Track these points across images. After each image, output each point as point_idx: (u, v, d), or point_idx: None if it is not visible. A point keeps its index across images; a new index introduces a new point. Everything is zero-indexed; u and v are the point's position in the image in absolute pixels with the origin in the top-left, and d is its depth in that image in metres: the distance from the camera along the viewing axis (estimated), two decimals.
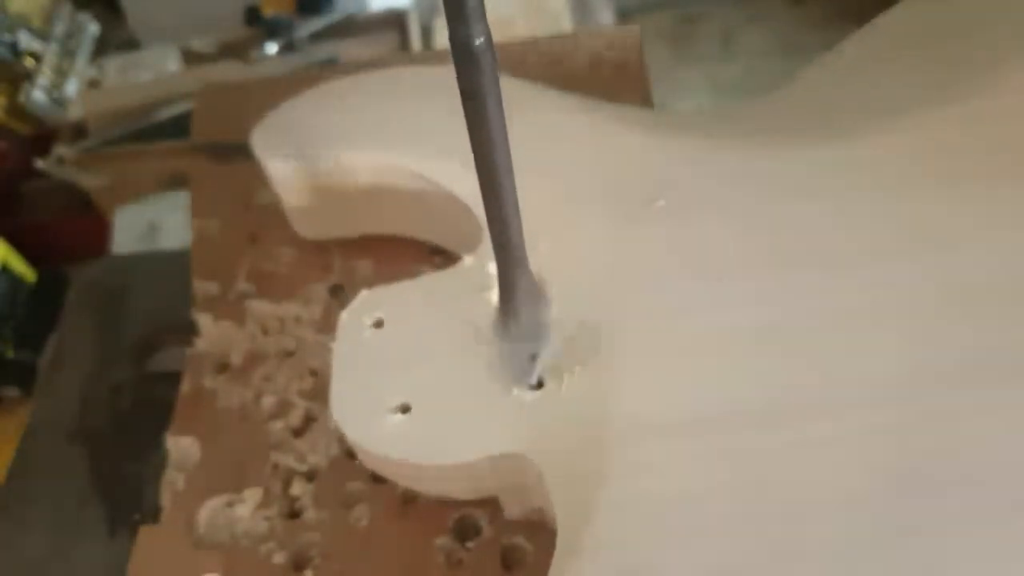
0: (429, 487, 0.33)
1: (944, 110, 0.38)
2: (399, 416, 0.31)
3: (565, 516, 0.27)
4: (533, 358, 0.30)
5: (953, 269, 0.32)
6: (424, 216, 0.40)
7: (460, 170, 0.37)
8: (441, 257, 0.42)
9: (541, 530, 0.33)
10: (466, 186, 0.37)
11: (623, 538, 0.26)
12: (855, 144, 0.37)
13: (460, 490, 0.32)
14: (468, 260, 0.35)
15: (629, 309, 0.32)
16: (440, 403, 0.31)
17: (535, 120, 0.40)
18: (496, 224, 0.27)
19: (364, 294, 0.35)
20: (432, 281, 0.35)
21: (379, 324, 0.34)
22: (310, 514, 0.35)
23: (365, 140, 0.39)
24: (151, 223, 0.78)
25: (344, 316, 0.34)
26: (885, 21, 0.43)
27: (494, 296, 0.33)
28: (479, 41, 0.21)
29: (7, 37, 1.00)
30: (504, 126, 0.24)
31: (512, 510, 0.33)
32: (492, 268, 0.34)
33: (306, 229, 0.43)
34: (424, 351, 0.32)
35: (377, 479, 0.35)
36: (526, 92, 0.42)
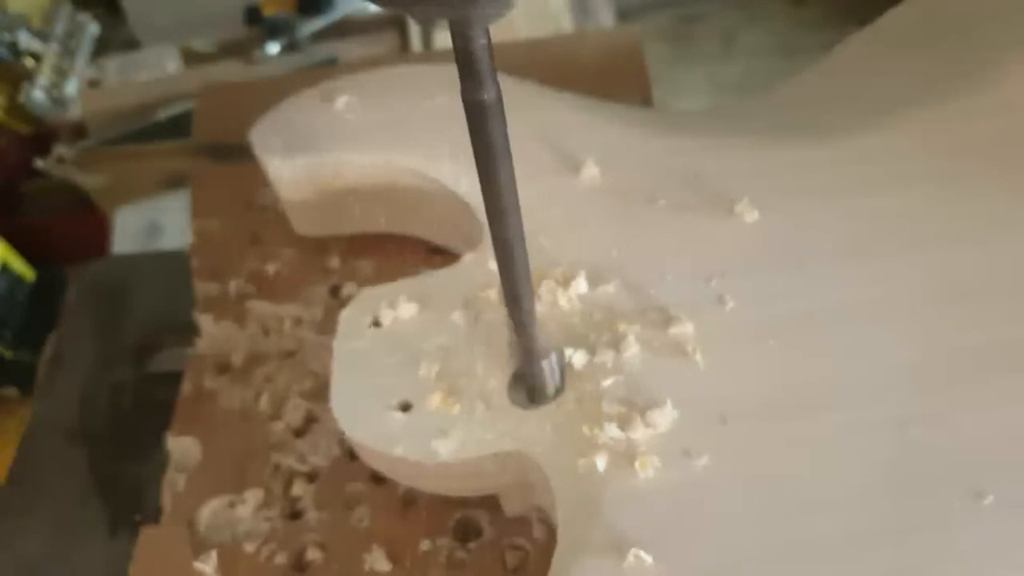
0: (429, 485, 0.33)
1: (947, 106, 0.38)
2: (399, 414, 0.31)
3: (567, 512, 0.27)
4: (536, 378, 0.30)
5: (957, 264, 0.32)
6: (423, 215, 0.40)
7: (460, 169, 0.37)
8: (442, 257, 0.42)
9: (541, 530, 0.33)
10: (466, 184, 0.37)
11: (626, 533, 0.26)
12: (854, 142, 0.37)
13: (460, 488, 0.32)
14: (469, 257, 0.35)
15: (632, 308, 0.32)
16: (440, 401, 0.31)
17: (536, 119, 0.40)
18: (505, 270, 0.27)
19: (364, 292, 0.35)
20: (433, 279, 0.35)
21: (379, 322, 0.34)
22: (311, 515, 0.35)
23: (364, 139, 0.39)
24: (151, 223, 0.78)
25: (344, 314, 0.34)
26: (888, 20, 0.43)
27: (494, 294, 0.33)
28: (489, 97, 0.22)
29: (7, 37, 1.00)
30: (512, 168, 0.24)
31: (512, 507, 0.33)
32: (493, 265, 0.34)
33: (304, 227, 0.43)
34: (424, 349, 0.32)
35: (378, 480, 0.35)
36: (527, 92, 0.41)
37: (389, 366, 0.32)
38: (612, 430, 0.29)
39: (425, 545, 0.33)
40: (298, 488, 0.35)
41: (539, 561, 0.32)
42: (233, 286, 0.43)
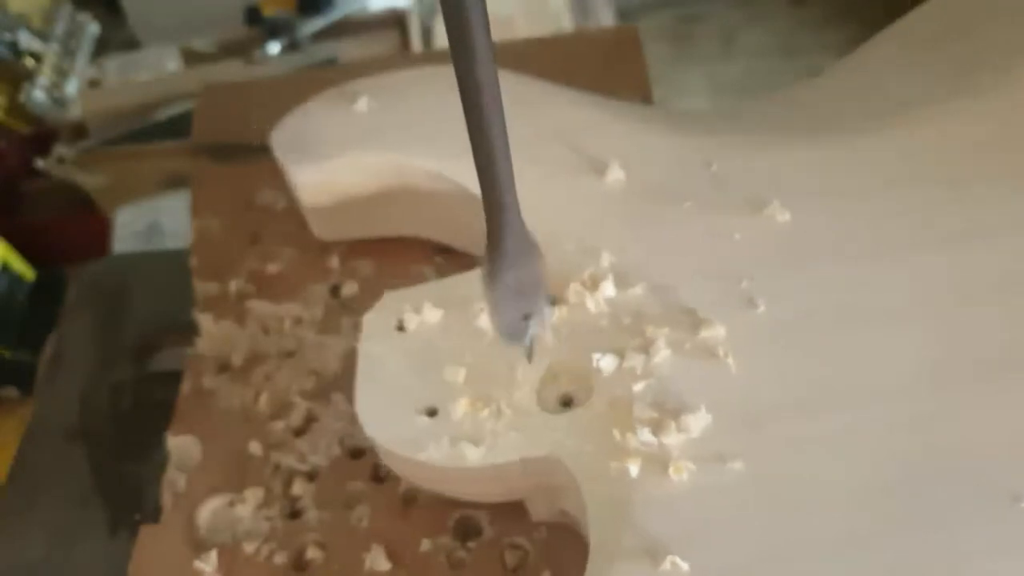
0: (455, 490, 0.32)
1: (973, 103, 0.37)
2: (425, 419, 0.30)
3: (600, 518, 0.27)
4: (527, 317, 0.29)
5: (986, 263, 0.32)
6: (444, 218, 0.40)
7: None
8: (442, 256, 0.42)
9: (541, 530, 0.33)
10: None
11: (661, 539, 0.26)
12: (880, 141, 0.37)
13: (485, 493, 0.32)
14: None
15: (661, 311, 0.32)
16: (468, 406, 0.30)
17: (555, 120, 0.39)
18: (483, 169, 0.26)
19: (388, 295, 0.34)
20: (457, 283, 0.34)
21: (403, 326, 0.33)
22: (311, 514, 0.35)
23: (384, 141, 0.39)
24: (151, 223, 0.78)
25: (368, 318, 0.34)
26: (913, 18, 0.43)
27: None
28: None
29: (7, 37, 1.00)
30: (494, 65, 0.23)
31: (538, 512, 0.32)
32: None
33: (324, 231, 0.43)
34: (449, 353, 0.32)
35: (378, 479, 0.35)
36: (545, 91, 0.41)
37: (414, 370, 0.32)
38: (645, 435, 0.28)
39: (425, 545, 0.33)
40: (298, 487, 0.35)
41: (539, 561, 0.32)
42: (233, 286, 0.43)
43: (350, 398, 0.37)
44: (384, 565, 0.32)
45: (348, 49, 0.97)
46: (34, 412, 0.44)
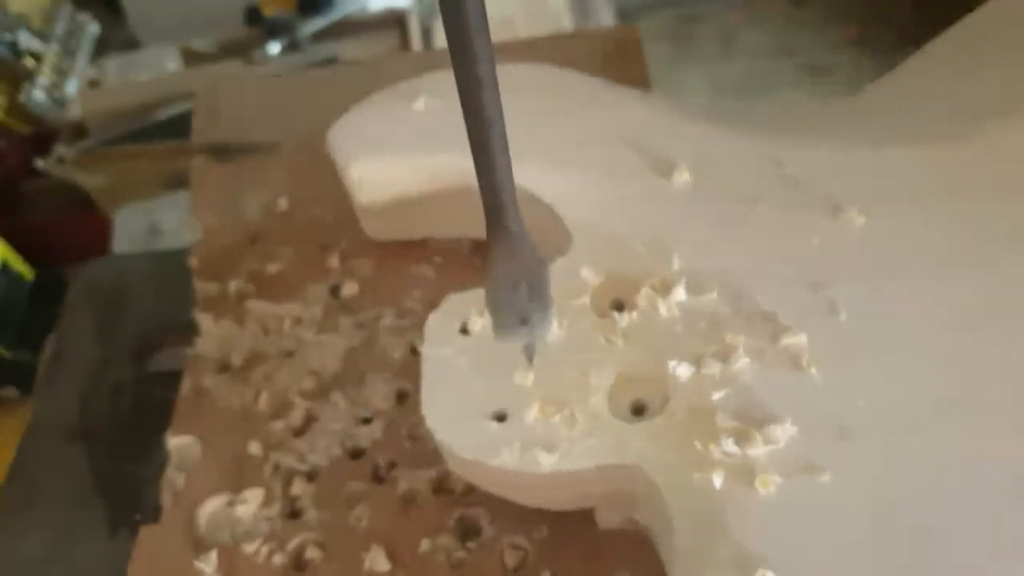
0: (525, 496, 0.31)
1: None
2: (495, 424, 0.30)
3: (686, 529, 0.26)
4: (525, 319, 0.28)
5: (1016, 279, 0.31)
6: None
7: (542, 171, 0.36)
8: (442, 257, 0.42)
9: (541, 530, 0.33)
10: (550, 187, 0.35)
11: (751, 552, 0.25)
12: (954, 145, 0.36)
13: (556, 499, 0.31)
14: (559, 263, 0.34)
15: (737, 317, 0.31)
16: (540, 411, 0.30)
17: (617, 120, 0.39)
18: (482, 169, 0.26)
19: (451, 297, 0.33)
20: None
21: (467, 329, 0.32)
22: (310, 514, 0.35)
23: (444, 140, 0.38)
24: (151, 223, 0.78)
25: (431, 321, 0.33)
26: (975, 19, 0.42)
27: (587, 301, 0.32)
28: None
29: (7, 37, 1.00)
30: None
31: (608, 520, 0.32)
32: (585, 272, 0.33)
33: (376, 229, 0.42)
34: (516, 356, 0.30)
35: (378, 479, 0.35)
36: (603, 90, 0.40)
37: (481, 374, 0.31)
38: (728, 445, 0.27)
39: (425, 545, 0.33)
40: (297, 487, 0.35)
41: (539, 561, 0.32)
42: (233, 286, 0.43)
43: (350, 398, 0.38)
44: (384, 565, 0.32)
45: (348, 49, 0.97)
46: (34, 412, 0.44)
